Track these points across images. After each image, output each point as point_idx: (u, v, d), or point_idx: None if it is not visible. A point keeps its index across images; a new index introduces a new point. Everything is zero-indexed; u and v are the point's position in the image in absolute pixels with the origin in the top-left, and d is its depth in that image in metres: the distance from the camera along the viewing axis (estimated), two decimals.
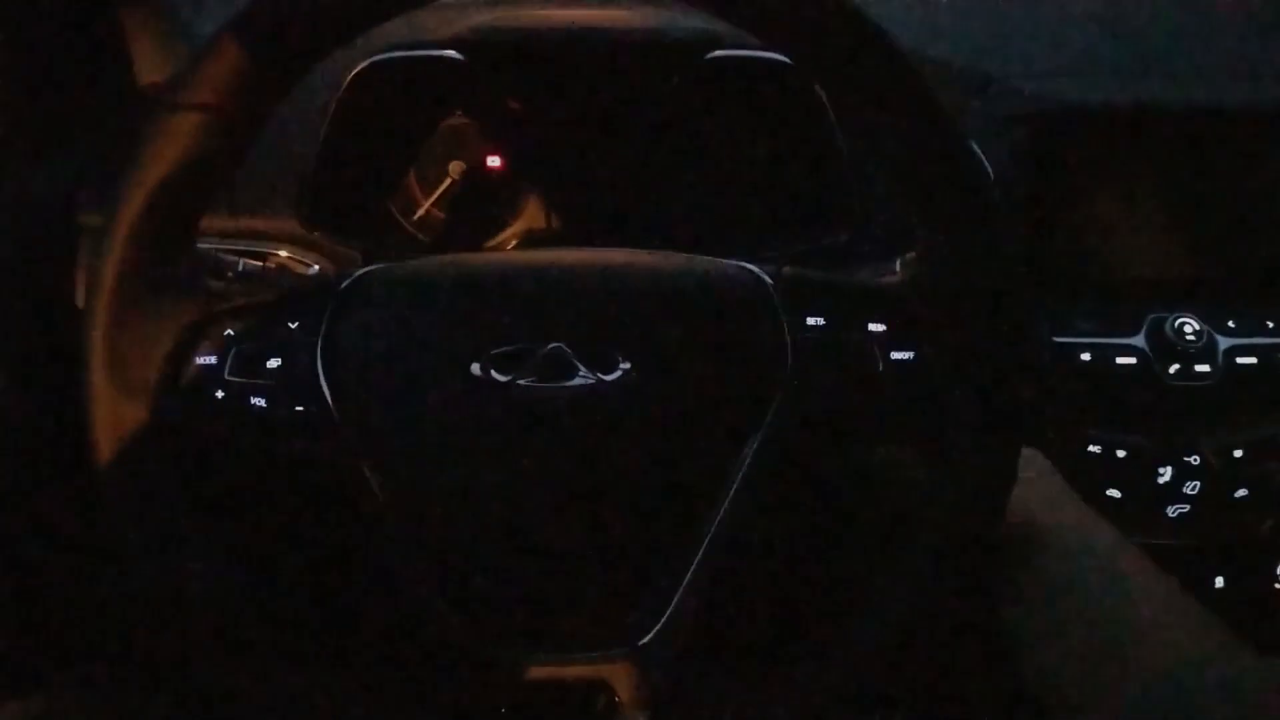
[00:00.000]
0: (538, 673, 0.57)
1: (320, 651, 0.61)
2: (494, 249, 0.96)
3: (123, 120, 0.91)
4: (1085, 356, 0.81)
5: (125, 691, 0.81)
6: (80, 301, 0.83)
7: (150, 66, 0.94)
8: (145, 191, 0.51)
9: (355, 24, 0.51)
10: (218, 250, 0.76)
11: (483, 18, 0.92)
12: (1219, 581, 0.86)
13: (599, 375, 0.56)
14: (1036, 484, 0.62)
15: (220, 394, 0.56)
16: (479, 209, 0.97)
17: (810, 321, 0.58)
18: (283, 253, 0.86)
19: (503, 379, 0.55)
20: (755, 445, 0.56)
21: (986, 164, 0.81)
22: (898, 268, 0.61)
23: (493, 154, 0.96)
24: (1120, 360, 0.81)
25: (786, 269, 0.61)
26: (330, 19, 0.51)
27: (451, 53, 0.90)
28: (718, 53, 0.90)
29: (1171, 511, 0.83)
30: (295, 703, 0.57)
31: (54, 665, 0.81)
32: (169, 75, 0.94)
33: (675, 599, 0.56)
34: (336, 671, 0.59)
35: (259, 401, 0.56)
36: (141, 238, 0.52)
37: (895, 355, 0.58)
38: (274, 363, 0.56)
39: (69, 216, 0.83)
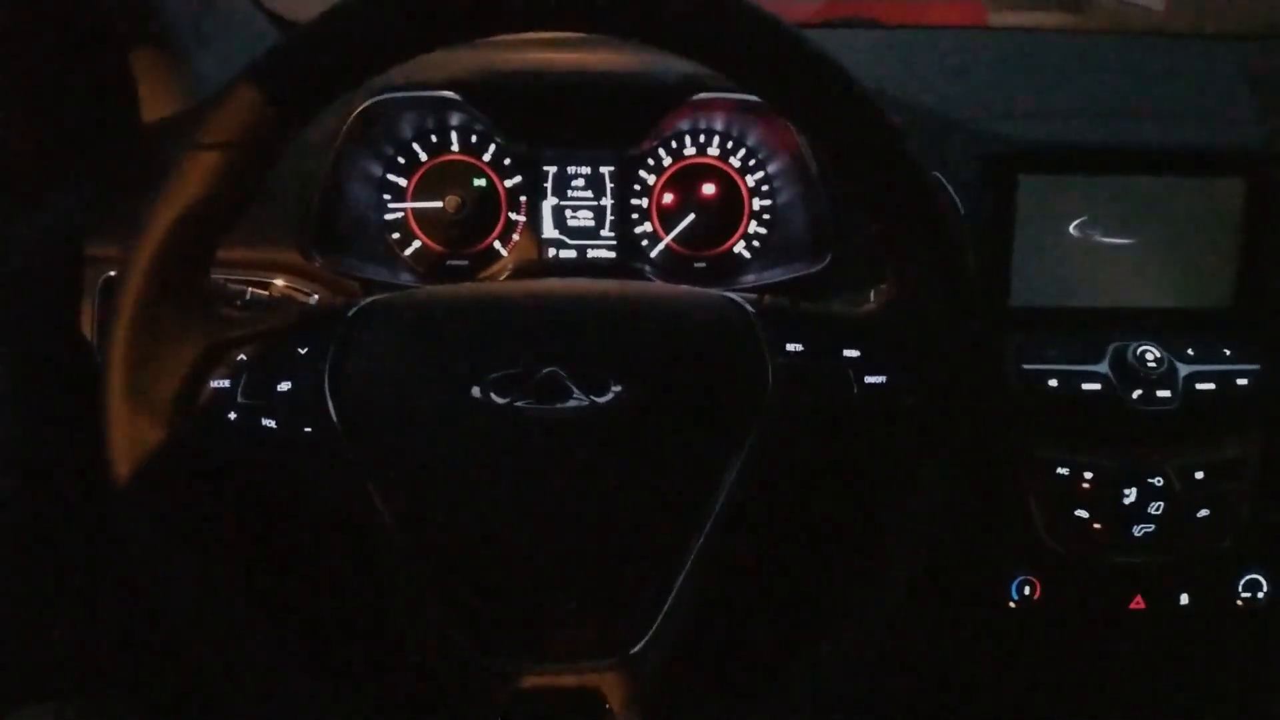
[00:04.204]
0: (531, 682, 0.59)
1: (320, 664, 0.63)
2: (487, 280, 0.99)
3: (129, 155, 0.94)
4: (1053, 383, 0.85)
5: (132, 704, 0.82)
6: (88, 331, 0.85)
7: (155, 103, 0.96)
8: (168, 224, 0.54)
9: (369, 68, 0.55)
10: (226, 280, 0.80)
11: (478, 59, 0.96)
12: (1184, 598, 0.89)
13: (592, 397, 0.59)
14: None
15: (233, 415, 0.59)
16: (473, 242, 1.00)
17: (789, 347, 0.62)
18: (281, 282, 0.89)
19: (501, 401, 0.59)
20: (739, 462, 0.59)
21: (956, 199, 0.86)
22: (871, 297, 0.65)
23: (486, 189, 1.00)
24: (1086, 386, 0.84)
25: (766, 298, 0.65)
26: (345, 64, 0.54)
27: (448, 93, 0.94)
28: (701, 94, 0.95)
29: (1137, 531, 0.86)
30: (294, 711, 0.60)
31: (63, 679, 0.83)
32: (174, 112, 0.97)
33: (664, 610, 0.59)
34: (335, 683, 0.61)
35: (269, 423, 0.58)
36: (162, 266, 0.55)
37: (869, 379, 0.61)
38: (284, 386, 0.59)
39: (76, 247, 0.86)
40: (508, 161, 0.99)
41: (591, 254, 1.01)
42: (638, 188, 1.00)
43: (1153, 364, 0.84)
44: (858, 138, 0.56)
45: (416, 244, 0.99)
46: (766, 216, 1.01)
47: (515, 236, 1.00)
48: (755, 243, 1.01)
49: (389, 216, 0.99)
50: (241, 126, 0.54)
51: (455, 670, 0.59)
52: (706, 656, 0.60)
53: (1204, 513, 0.86)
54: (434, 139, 0.98)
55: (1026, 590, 0.89)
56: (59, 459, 0.80)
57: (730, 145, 1.00)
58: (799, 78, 0.55)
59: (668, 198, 1.01)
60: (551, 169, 0.99)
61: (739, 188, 1.01)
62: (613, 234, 1.01)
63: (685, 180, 1.01)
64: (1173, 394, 0.84)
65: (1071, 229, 0.88)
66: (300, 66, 0.54)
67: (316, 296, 0.89)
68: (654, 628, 0.59)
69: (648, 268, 1.01)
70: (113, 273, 0.84)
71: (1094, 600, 0.90)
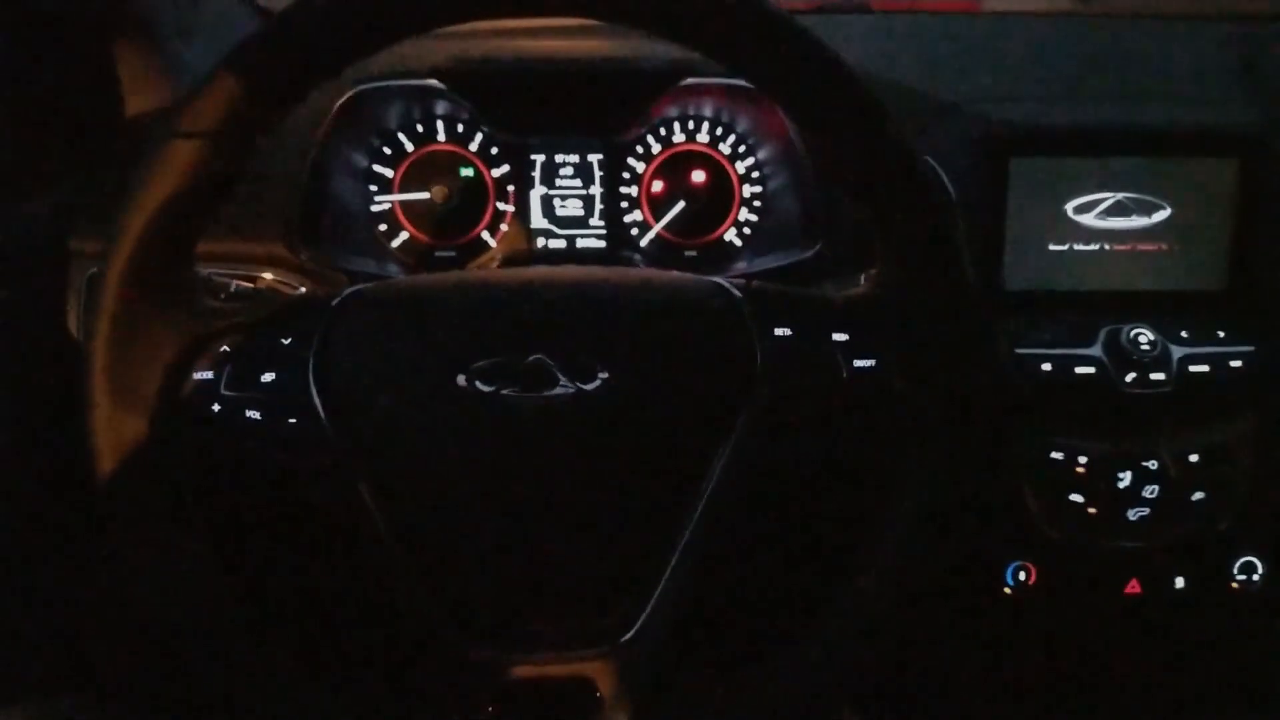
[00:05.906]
0: (522, 672, 0.59)
1: (309, 656, 0.62)
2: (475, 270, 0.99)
3: (113, 149, 0.94)
4: (1046, 367, 0.84)
5: (120, 702, 0.82)
6: (73, 325, 0.85)
7: (139, 97, 0.96)
8: (147, 214, 0.53)
9: (349, 54, 0.54)
10: (211, 273, 0.79)
11: (462, 47, 0.95)
12: (1180, 582, 0.89)
13: (579, 385, 0.58)
14: None
15: (217, 407, 0.58)
16: (461, 232, 1.00)
17: (777, 332, 0.61)
18: (269, 275, 0.88)
19: (487, 389, 0.58)
20: (728, 448, 0.59)
21: (947, 183, 0.85)
22: (861, 281, 0.64)
23: (474, 179, 0.99)
24: (1079, 370, 0.84)
25: (755, 283, 0.64)
26: (324, 51, 0.54)
27: (433, 81, 0.93)
28: (689, 80, 0.94)
29: (1132, 515, 0.86)
30: (284, 706, 0.59)
31: (50, 676, 0.82)
32: (158, 105, 0.96)
33: (655, 597, 0.58)
34: (324, 675, 0.60)
35: (254, 414, 0.58)
36: (143, 258, 0.54)
37: (858, 363, 0.61)
38: (268, 377, 0.58)
39: (60, 242, 0.85)
40: (495, 151, 0.98)
41: (581, 243, 1.00)
42: (627, 175, 1.00)
43: (1146, 346, 0.84)
44: (848, 122, 0.56)
45: (404, 235, 0.99)
46: (757, 203, 1.00)
47: (504, 226, 1.00)
48: (746, 230, 1.01)
49: (376, 208, 0.98)
50: (220, 115, 0.53)
51: (445, 661, 0.58)
52: (697, 644, 0.60)
53: (1199, 496, 0.86)
54: (420, 129, 0.98)
55: (1022, 576, 0.88)
56: (45, 456, 0.79)
57: (720, 131, 0.99)
58: (788, 62, 0.54)
59: (657, 185, 1.00)
60: (539, 158, 0.99)
61: (729, 174, 1.00)
62: (602, 223, 1.00)
63: (675, 167, 1.00)
64: (1167, 376, 0.84)
65: (1064, 212, 0.88)
66: (279, 53, 0.53)
67: (303, 289, 0.88)
68: (644, 616, 0.58)
69: (638, 256, 1.00)
70: (96, 269, 0.83)
71: (1090, 585, 0.89)
